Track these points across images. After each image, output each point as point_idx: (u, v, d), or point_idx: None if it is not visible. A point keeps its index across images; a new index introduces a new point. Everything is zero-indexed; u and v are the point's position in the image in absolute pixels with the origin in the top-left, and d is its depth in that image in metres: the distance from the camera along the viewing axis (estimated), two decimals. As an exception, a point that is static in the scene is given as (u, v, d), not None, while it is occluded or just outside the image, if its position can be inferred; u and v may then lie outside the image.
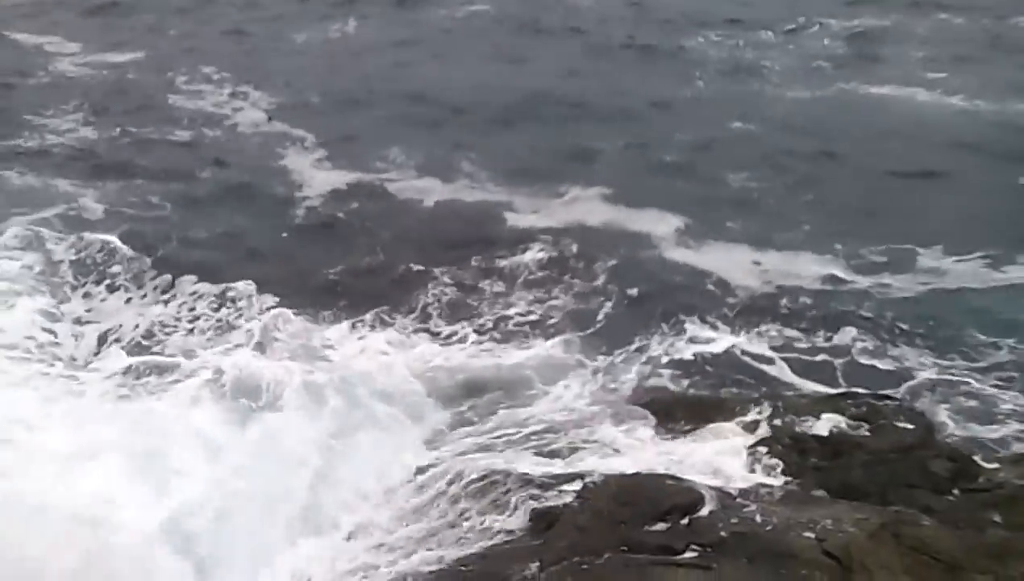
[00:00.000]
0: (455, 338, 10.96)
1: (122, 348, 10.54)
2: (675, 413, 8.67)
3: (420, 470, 8.38)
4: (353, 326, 11.11)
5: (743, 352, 10.42)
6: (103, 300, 11.76)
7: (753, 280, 12.17)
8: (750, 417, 8.34)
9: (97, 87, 20.39)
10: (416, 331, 11.16)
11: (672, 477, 7.49)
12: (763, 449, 7.94)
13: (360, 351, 10.48)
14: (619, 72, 21.08)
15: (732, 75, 20.64)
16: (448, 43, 24.29)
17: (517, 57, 22.51)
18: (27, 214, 13.55)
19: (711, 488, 7.42)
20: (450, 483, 7.86)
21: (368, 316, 11.30)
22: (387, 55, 23.05)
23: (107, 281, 12.09)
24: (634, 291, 11.83)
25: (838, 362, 10.40)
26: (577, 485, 7.34)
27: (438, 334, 11.09)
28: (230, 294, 11.57)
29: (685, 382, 9.81)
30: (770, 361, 10.33)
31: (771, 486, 7.67)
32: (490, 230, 13.68)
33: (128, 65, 22.22)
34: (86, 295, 11.83)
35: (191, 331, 10.98)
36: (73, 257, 12.50)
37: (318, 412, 8.89)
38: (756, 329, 10.91)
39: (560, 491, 7.35)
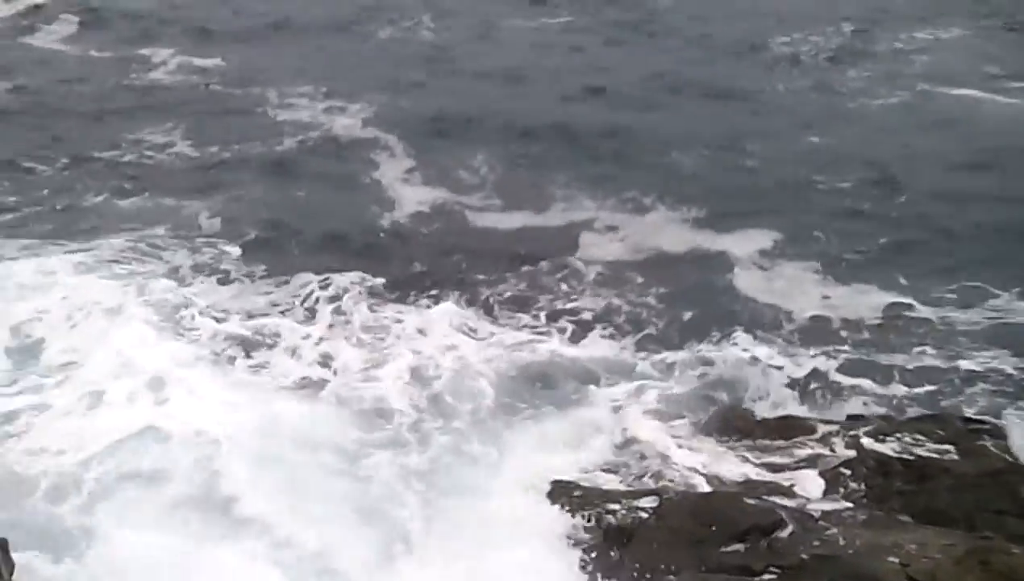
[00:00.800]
0: (526, 340, 11.06)
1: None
2: (754, 432, 8.55)
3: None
4: (436, 317, 11.40)
5: (820, 373, 10.16)
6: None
7: (824, 302, 11.89)
8: (831, 438, 8.19)
9: (192, 97, 20.66)
10: (493, 329, 11.32)
11: (751, 496, 7.40)
12: (846, 471, 7.80)
13: (444, 341, 10.79)
14: (700, 87, 20.84)
15: (809, 91, 20.27)
16: (527, 55, 24.25)
17: (602, 68, 22.24)
18: (138, 229, 13.91)
19: (791, 509, 7.32)
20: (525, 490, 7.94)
21: (452, 310, 11.59)
22: (469, 63, 22.85)
23: (220, 276, 12.57)
24: (709, 307, 11.72)
25: (917, 388, 9.98)
26: (653, 501, 7.29)
27: (512, 333, 11.22)
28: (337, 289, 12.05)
29: (764, 403, 9.63)
30: (848, 385, 10.01)
31: (853, 509, 7.53)
32: (567, 240, 13.69)
33: (218, 73, 22.53)
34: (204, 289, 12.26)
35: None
36: (188, 261, 12.89)
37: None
38: (830, 351, 10.62)
39: (635, 507, 7.31)
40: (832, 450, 8.11)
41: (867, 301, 11.86)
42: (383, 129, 18.08)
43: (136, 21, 26.77)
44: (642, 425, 8.87)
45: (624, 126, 18.14)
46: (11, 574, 6.93)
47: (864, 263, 12.85)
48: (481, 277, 12.59)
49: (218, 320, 11.42)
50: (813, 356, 10.54)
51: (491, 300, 11.99)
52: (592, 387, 9.94)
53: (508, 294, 12.15)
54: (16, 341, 10.93)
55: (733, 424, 8.73)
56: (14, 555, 6.93)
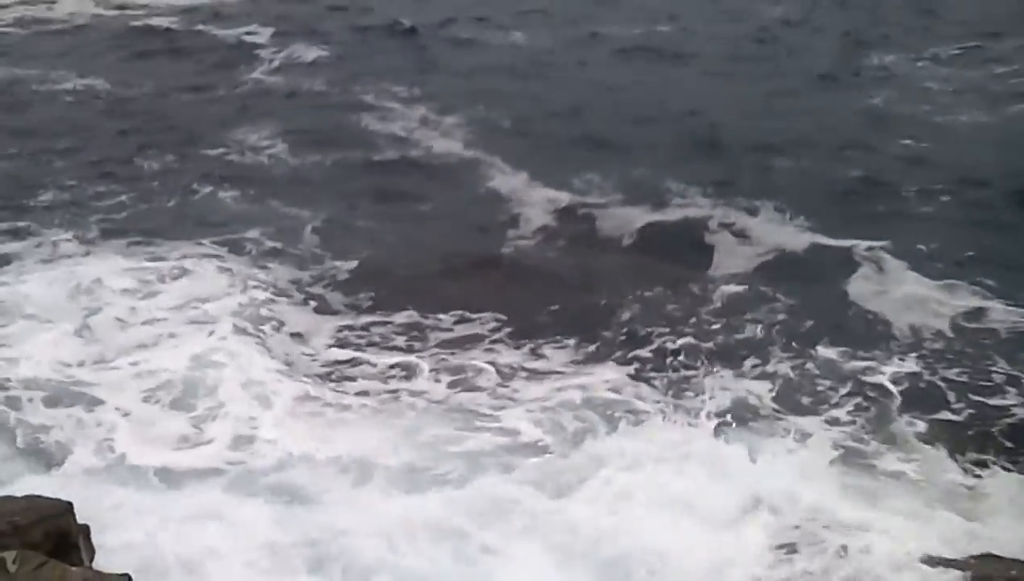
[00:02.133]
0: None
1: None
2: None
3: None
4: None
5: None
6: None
7: (939, 319, 11.65)
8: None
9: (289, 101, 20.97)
10: (605, 351, 11.21)
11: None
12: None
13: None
14: (805, 93, 20.83)
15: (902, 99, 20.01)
16: (623, 59, 24.23)
17: (716, 74, 22.38)
18: (234, 232, 14.18)
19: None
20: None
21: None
22: (567, 69, 23.05)
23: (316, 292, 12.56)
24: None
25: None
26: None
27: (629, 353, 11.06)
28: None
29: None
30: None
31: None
32: (687, 248, 13.80)
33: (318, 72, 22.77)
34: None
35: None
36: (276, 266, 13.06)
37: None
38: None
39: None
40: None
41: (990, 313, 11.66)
42: (486, 139, 18.09)
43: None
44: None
45: (730, 133, 18.09)
46: (91, 560, 7.13)
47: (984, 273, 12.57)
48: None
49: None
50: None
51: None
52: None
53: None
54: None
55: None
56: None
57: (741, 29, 26.07)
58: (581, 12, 28.50)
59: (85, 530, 7.20)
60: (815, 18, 27.29)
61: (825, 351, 10.95)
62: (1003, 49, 22.96)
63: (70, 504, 7.10)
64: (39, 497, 7.18)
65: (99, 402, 9.99)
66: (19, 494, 7.37)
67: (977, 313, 11.68)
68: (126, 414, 9.81)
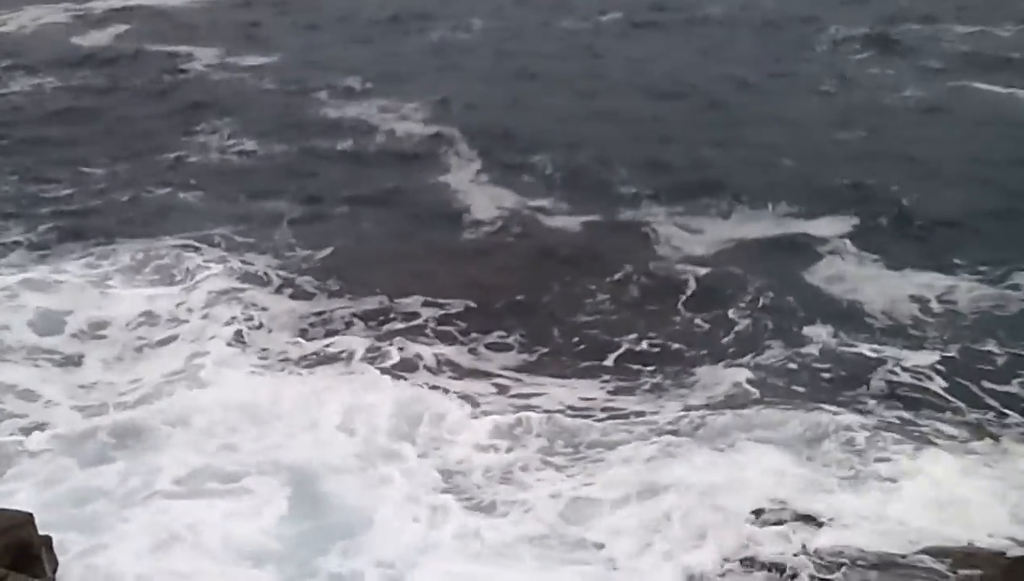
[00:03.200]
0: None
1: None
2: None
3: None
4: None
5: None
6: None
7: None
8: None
9: (243, 97, 20.76)
10: (572, 357, 10.99)
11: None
12: None
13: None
14: (792, 80, 20.86)
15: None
16: (593, 45, 24.28)
17: (667, 68, 22.20)
18: (194, 230, 13.95)
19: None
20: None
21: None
22: (518, 57, 23.02)
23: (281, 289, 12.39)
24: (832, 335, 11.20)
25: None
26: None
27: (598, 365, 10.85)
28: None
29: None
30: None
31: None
32: (646, 249, 13.47)
33: (269, 71, 22.59)
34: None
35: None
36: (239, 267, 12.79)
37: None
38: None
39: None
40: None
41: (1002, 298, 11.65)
42: (445, 129, 17.96)
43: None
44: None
45: (685, 124, 18.05)
46: (55, 571, 6.96)
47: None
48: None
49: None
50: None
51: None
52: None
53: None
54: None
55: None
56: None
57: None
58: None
59: (47, 541, 7.02)
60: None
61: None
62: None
63: (30, 515, 6.91)
64: (-1, 509, 6.99)
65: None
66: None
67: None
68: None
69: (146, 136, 18.12)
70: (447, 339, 11.20)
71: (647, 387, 10.27)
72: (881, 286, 12.06)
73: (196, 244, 13.38)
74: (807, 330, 11.06)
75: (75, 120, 19.29)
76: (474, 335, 11.28)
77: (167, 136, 18.06)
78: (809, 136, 17.25)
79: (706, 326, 11.39)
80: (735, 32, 24.78)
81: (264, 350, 10.90)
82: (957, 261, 12.50)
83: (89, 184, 15.77)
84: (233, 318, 11.40)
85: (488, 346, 11.11)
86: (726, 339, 11.09)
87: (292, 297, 12.15)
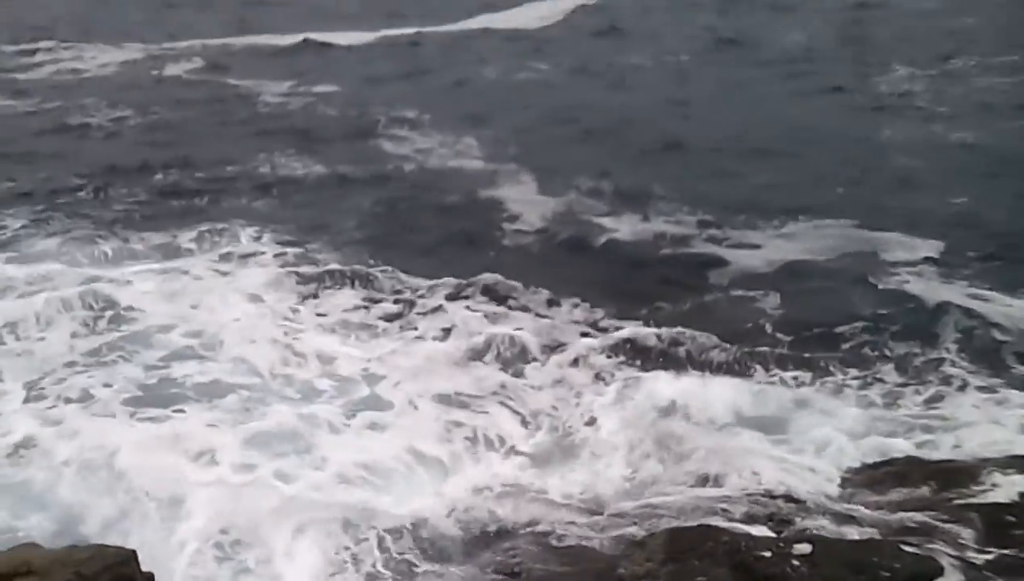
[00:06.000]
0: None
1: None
2: (911, 476, 8.08)
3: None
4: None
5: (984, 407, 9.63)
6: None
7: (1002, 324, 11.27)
8: (997, 484, 7.66)
9: (306, 123, 21.38)
10: (620, 364, 10.89)
11: (908, 544, 6.98)
12: (1010, 517, 7.29)
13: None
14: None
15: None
16: (639, 76, 24.56)
17: (725, 86, 22.46)
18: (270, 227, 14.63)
19: (952, 557, 6.90)
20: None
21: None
22: (576, 90, 23.42)
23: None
24: (872, 334, 11.20)
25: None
26: (805, 548, 6.93)
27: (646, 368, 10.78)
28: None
29: (923, 441, 9.12)
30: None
31: (1019, 557, 7.04)
32: (704, 267, 13.42)
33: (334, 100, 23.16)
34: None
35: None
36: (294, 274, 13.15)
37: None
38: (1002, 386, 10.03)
39: (785, 554, 6.95)
40: (996, 496, 7.59)
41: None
42: (495, 155, 18.40)
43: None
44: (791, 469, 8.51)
45: (732, 149, 18.28)
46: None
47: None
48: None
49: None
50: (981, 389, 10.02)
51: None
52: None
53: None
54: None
55: (888, 467, 8.28)
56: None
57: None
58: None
59: (149, 578, 7.09)
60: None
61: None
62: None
63: (134, 552, 6.99)
64: (104, 546, 7.09)
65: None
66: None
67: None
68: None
69: (221, 157, 18.77)
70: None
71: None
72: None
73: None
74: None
75: (155, 142, 20.05)
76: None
77: (240, 156, 18.77)
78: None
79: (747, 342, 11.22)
80: (791, 62, 25.22)
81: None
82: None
83: (161, 200, 16.45)
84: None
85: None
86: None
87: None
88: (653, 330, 11.31)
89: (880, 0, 36.95)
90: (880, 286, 12.39)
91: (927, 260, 13.01)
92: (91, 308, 11.98)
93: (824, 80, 23.55)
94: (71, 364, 10.81)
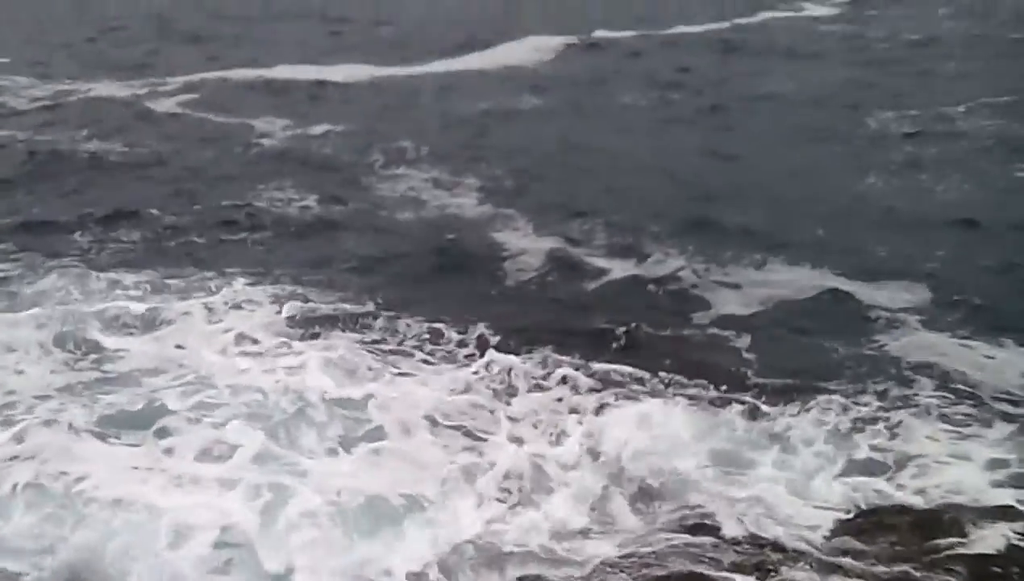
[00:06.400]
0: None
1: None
2: (897, 525, 8.00)
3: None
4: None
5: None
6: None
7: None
8: (983, 534, 7.59)
9: (303, 162, 21.48)
10: (600, 404, 10.88)
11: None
12: (996, 569, 7.21)
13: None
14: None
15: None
16: (630, 116, 24.99)
17: (716, 129, 22.69)
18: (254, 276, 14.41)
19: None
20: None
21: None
22: (569, 130, 23.69)
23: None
24: (850, 378, 11.21)
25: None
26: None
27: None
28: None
29: (905, 486, 9.03)
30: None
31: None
32: (686, 306, 13.52)
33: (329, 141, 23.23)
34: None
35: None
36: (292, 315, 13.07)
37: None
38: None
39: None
40: (981, 542, 7.51)
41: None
42: (492, 196, 18.49)
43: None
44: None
45: (724, 190, 18.45)
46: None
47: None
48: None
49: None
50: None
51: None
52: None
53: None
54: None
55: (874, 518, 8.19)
56: None
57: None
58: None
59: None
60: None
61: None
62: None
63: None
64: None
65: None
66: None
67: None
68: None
69: (212, 192, 18.90)
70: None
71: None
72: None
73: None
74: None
75: (147, 178, 20.12)
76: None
77: (233, 192, 18.86)
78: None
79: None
80: (780, 109, 25.61)
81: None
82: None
83: (158, 230, 16.56)
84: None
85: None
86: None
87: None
88: (632, 369, 11.34)
89: (863, 41, 37.68)
90: (858, 330, 12.47)
91: (908, 307, 13.09)
92: (73, 347, 11.93)
93: (810, 121, 23.84)
94: (44, 397, 10.72)
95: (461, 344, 12.24)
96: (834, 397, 10.65)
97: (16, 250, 15.33)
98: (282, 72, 33.93)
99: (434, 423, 10.29)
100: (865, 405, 10.51)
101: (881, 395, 10.74)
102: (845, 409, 10.41)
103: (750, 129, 23.71)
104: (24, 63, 37.74)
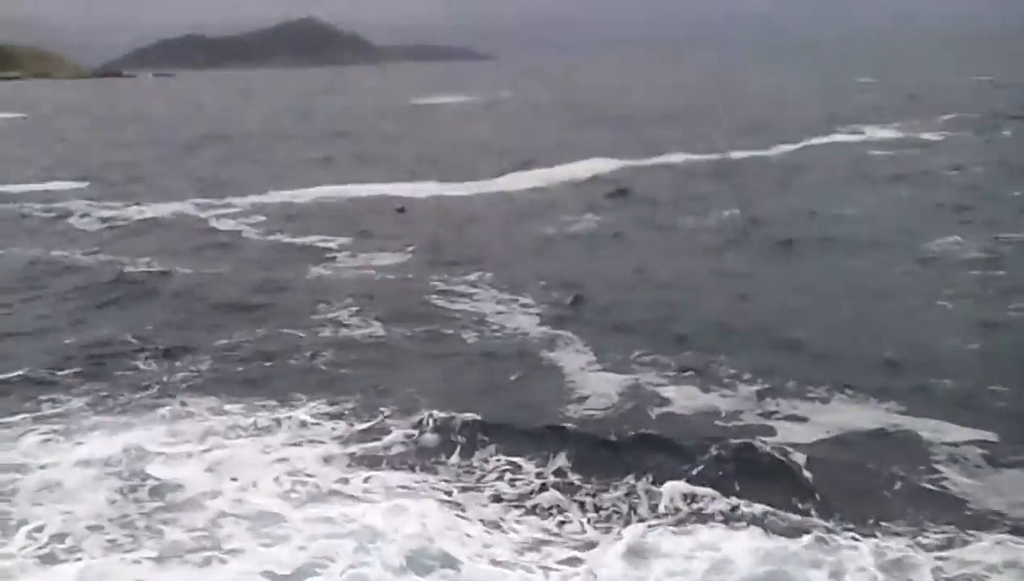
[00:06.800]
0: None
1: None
2: None
3: None
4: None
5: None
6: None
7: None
8: None
9: (366, 283, 21.73)
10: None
11: None
12: None
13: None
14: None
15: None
16: (690, 240, 24.92)
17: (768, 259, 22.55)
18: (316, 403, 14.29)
19: None
20: None
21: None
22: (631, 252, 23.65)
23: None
24: (910, 519, 10.67)
25: None
26: None
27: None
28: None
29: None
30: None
31: None
32: (753, 436, 13.03)
33: (391, 266, 23.53)
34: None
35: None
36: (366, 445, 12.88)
37: None
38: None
39: None
40: None
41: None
42: (558, 322, 18.33)
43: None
44: None
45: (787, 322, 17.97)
46: None
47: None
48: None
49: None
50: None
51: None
52: None
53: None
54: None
55: None
56: None
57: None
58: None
59: None
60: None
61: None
62: None
63: None
64: None
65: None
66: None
67: None
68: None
69: (275, 315, 18.98)
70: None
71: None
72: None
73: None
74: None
75: (211, 301, 20.26)
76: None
77: (296, 315, 18.91)
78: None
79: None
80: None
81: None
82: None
83: (221, 356, 16.56)
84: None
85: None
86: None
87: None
88: (697, 492, 11.20)
89: (927, 165, 37.63)
90: (921, 465, 12.01)
91: (973, 443, 12.55)
92: (131, 476, 11.81)
93: (875, 248, 23.55)
94: (100, 528, 10.61)
95: (539, 476, 11.97)
96: (896, 532, 10.27)
97: (79, 377, 15.42)
98: (343, 192, 34.83)
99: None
100: (926, 540, 10.08)
101: (942, 532, 10.28)
102: (907, 545, 9.97)
103: (813, 255, 23.35)
104: (97, 184, 39.22)
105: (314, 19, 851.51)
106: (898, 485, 11.47)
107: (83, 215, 31.66)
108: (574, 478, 11.89)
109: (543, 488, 11.70)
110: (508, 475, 12.09)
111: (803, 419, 13.65)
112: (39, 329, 18.39)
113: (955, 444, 12.53)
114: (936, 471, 11.84)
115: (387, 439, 12.96)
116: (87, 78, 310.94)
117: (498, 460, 12.42)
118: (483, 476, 12.09)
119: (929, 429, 13.04)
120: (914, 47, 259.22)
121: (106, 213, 31.97)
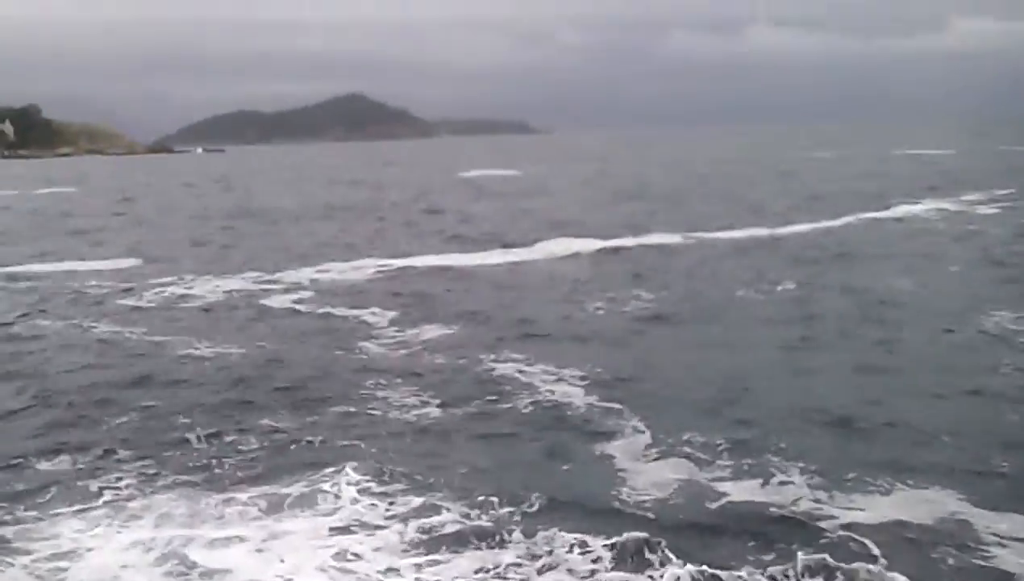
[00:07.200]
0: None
1: None
2: None
3: None
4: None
5: None
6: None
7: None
8: None
9: (416, 359, 21.75)
10: None
11: None
12: None
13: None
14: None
15: None
16: (742, 317, 24.80)
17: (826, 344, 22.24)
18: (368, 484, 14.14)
19: None
20: None
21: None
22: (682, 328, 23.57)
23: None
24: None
25: None
26: None
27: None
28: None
29: None
30: None
31: None
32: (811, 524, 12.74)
33: (439, 340, 23.48)
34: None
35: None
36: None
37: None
38: None
39: None
40: None
41: None
42: (606, 394, 18.16)
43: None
44: None
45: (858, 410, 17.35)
46: None
47: None
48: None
49: None
50: None
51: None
52: None
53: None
54: None
55: None
56: None
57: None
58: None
59: None
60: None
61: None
62: None
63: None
64: None
65: None
66: None
67: None
68: None
69: (327, 395, 18.88)
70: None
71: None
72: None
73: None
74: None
75: (262, 382, 20.17)
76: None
77: (347, 395, 18.86)
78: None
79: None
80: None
81: None
82: None
83: (272, 439, 16.47)
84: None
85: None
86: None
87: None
88: None
89: (980, 240, 37.12)
90: (980, 556, 11.64)
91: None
92: (178, 563, 11.68)
93: (930, 329, 23.11)
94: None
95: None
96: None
97: (129, 462, 15.35)
98: (392, 264, 35.15)
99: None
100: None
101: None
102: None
103: (868, 337, 22.71)
104: (147, 261, 39.83)
105: (363, 94, 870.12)
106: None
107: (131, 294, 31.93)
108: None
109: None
110: (579, 549, 11.75)
111: (861, 508, 13.14)
112: (89, 406, 18.45)
113: (1013, 539, 11.98)
114: (993, 565, 11.39)
115: (441, 524, 12.64)
116: (138, 154, 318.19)
117: (564, 536, 12.05)
118: (549, 552, 11.74)
119: (985, 521, 12.52)
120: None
121: (156, 289, 32.32)
